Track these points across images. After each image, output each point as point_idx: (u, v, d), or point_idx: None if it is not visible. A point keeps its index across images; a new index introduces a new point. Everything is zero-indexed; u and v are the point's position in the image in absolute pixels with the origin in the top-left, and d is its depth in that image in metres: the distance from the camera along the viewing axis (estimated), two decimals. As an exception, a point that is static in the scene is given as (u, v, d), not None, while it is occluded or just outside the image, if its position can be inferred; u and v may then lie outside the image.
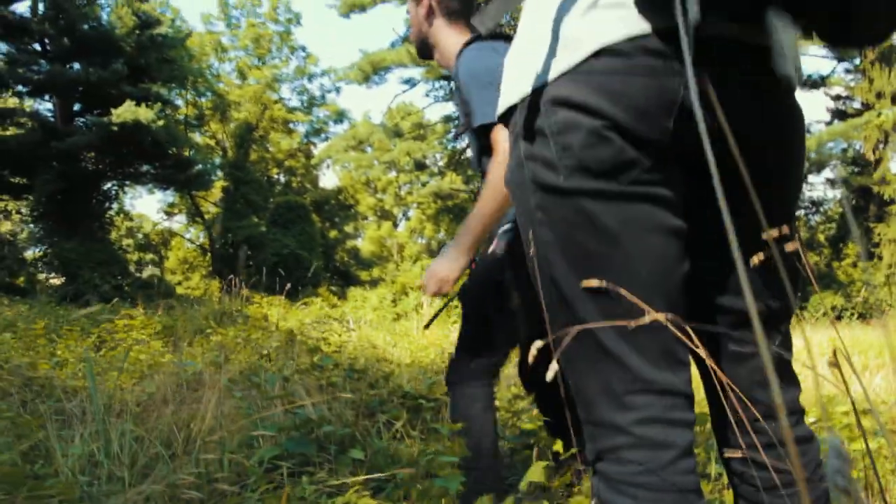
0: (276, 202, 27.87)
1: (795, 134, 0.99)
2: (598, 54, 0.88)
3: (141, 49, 21.77)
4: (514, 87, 1.01)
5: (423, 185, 32.12)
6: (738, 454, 1.05)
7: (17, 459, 1.91)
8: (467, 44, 2.06)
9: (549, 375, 0.73)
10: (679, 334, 0.87)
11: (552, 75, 0.92)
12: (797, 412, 1.06)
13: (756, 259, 0.94)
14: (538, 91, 0.94)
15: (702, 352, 0.84)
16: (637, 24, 0.86)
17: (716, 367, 0.92)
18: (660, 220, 0.91)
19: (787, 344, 1.06)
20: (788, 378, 1.07)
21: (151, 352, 4.54)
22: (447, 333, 9.36)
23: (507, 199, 1.92)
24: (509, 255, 2.06)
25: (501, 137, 1.93)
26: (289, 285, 6.81)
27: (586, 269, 0.91)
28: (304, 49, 36.73)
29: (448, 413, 2.19)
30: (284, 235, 25.48)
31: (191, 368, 3.13)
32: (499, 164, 1.93)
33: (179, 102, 27.93)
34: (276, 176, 34.23)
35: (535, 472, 1.99)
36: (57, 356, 4.19)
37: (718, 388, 1.02)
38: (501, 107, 1.05)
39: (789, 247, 0.92)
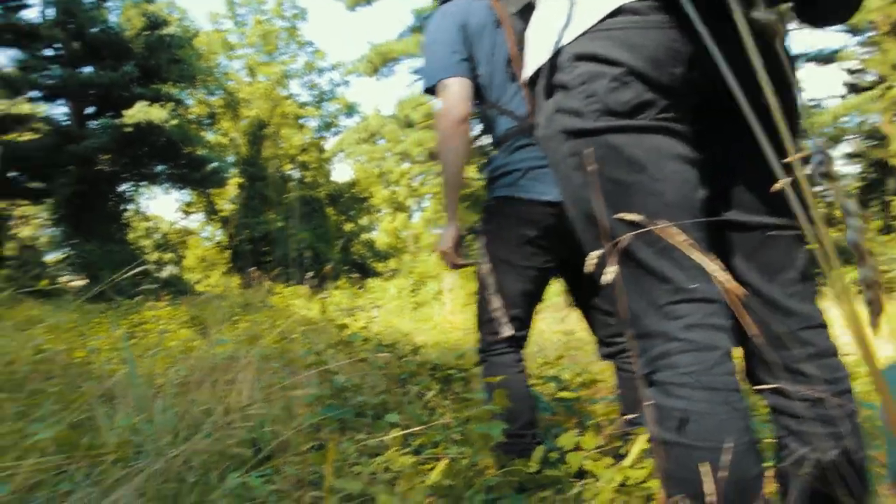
0: (290, 197, 27.99)
1: (790, 69, 1.11)
2: (614, 13, 1.02)
3: (150, 50, 21.89)
4: (537, 52, 1.14)
5: (437, 175, 32.10)
6: (775, 384, 1.10)
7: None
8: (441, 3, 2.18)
9: (607, 278, 0.81)
10: (697, 249, 0.96)
11: (571, 36, 1.06)
12: (826, 325, 1.12)
13: (777, 185, 1.04)
14: (559, 52, 1.08)
15: (713, 265, 0.91)
16: None
17: (746, 281, 0.99)
18: (677, 149, 1.04)
19: (810, 262, 1.13)
20: (814, 294, 1.14)
21: (181, 339, 4.61)
22: (470, 317, 9.41)
23: (452, 155, 2.02)
24: (490, 225, 2.12)
25: (442, 98, 2.04)
26: (311, 274, 6.83)
27: (620, 198, 1.03)
28: (311, 44, 36.84)
29: (480, 383, 2.22)
30: (300, 230, 25.60)
31: (222, 347, 3.18)
32: (438, 127, 2.03)
33: (190, 102, 28.08)
34: (289, 171, 34.34)
35: (567, 440, 2.03)
36: (89, 346, 4.26)
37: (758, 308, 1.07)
38: (528, 71, 1.18)
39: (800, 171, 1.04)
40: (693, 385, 0.95)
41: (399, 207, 38.86)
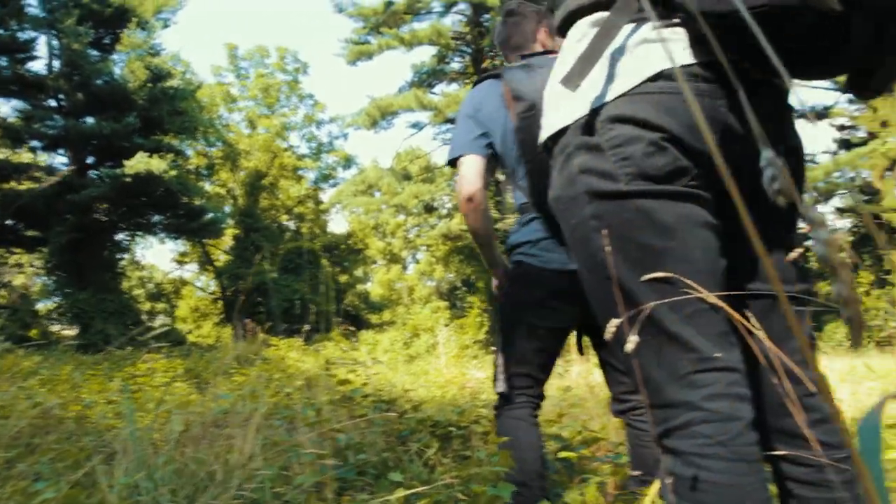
0: (285, 248, 28.03)
1: (801, 148, 1.18)
2: (654, 78, 1.03)
3: (153, 102, 22.14)
4: (561, 113, 1.14)
5: (432, 227, 32.22)
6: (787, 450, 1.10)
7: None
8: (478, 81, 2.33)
9: (629, 347, 0.81)
10: (735, 315, 0.99)
11: (608, 98, 1.06)
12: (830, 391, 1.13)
13: (792, 255, 1.07)
14: (592, 113, 1.08)
15: (760, 333, 0.92)
16: (687, 55, 1.03)
17: (770, 345, 1.00)
18: (705, 217, 1.05)
19: (811, 327, 1.17)
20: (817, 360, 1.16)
21: (177, 392, 4.56)
22: (464, 371, 9.35)
23: (473, 223, 2.19)
24: (512, 284, 2.26)
25: (462, 171, 2.17)
26: (307, 327, 6.80)
27: (646, 263, 1.02)
28: (311, 97, 37.09)
29: (493, 437, 2.27)
30: (294, 281, 25.56)
31: (225, 402, 3.15)
32: (458, 199, 2.20)
33: (190, 153, 28.26)
34: (286, 222, 34.46)
35: (572, 497, 2.02)
36: (84, 399, 4.22)
37: (775, 365, 1.08)
38: (547, 131, 1.17)
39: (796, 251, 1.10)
40: (716, 456, 0.95)
41: (393, 259, 38.88)
